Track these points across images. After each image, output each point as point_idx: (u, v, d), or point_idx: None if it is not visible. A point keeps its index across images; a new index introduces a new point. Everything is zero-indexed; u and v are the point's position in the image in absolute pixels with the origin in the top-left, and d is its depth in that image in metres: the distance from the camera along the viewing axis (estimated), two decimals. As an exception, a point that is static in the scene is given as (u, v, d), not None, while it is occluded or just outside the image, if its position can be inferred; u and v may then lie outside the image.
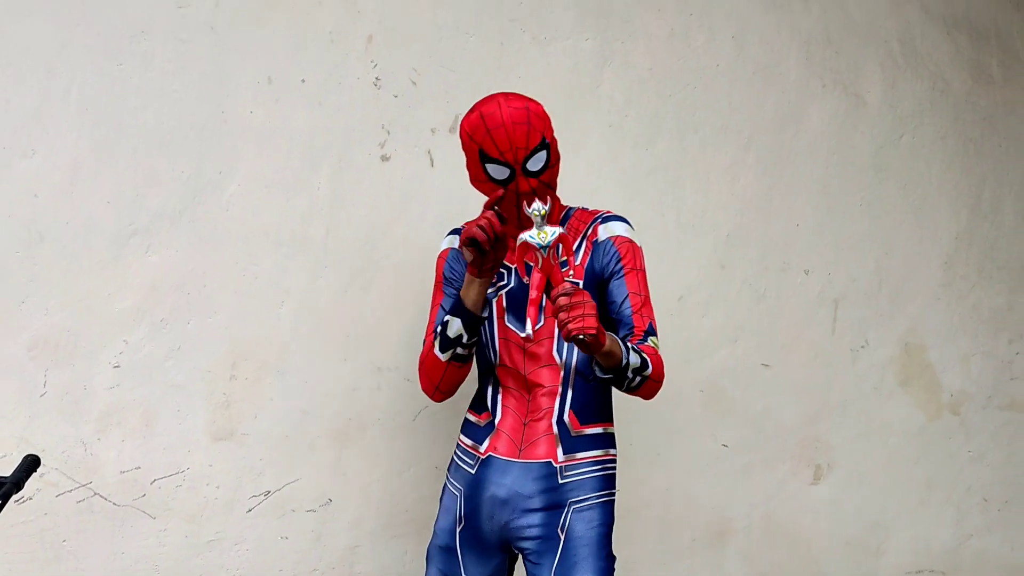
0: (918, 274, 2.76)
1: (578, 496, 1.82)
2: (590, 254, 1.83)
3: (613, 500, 1.85)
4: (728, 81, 2.62)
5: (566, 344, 1.80)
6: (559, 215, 1.86)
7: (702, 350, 2.59)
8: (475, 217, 1.76)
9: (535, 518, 1.81)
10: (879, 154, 2.73)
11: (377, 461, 2.41)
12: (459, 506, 1.89)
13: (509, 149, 1.72)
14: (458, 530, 1.87)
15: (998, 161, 2.85)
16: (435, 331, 1.89)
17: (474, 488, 1.87)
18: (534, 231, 1.58)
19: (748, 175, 2.63)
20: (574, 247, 1.82)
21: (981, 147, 2.83)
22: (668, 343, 2.55)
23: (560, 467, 1.82)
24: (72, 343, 2.15)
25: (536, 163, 1.75)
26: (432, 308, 1.97)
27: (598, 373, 1.68)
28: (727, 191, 2.61)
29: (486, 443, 1.88)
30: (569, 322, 1.54)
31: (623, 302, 1.80)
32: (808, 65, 2.69)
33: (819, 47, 2.70)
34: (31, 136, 2.09)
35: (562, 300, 1.56)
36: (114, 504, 2.20)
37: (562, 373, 1.84)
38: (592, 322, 1.55)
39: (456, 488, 1.92)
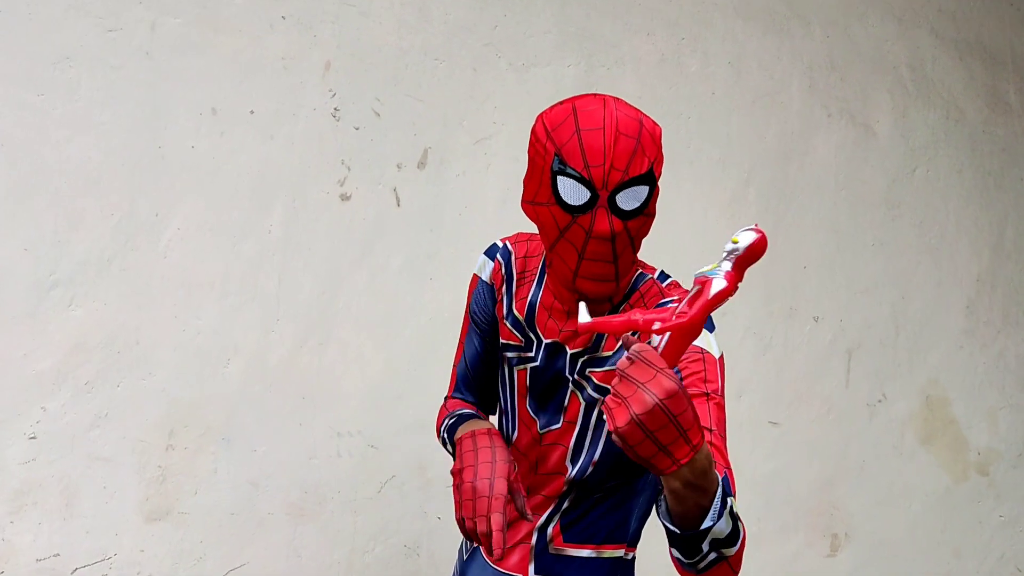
0: (938, 320, 2.51)
1: None
2: None
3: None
4: (725, 110, 2.40)
5: (585, 453, 1.38)
6: (629, 280, 1.34)
7: (703, 407, 2.33)
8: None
9: None
10: (891, 188, 2.50)
11: (338, 539, 2.13)
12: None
13: (602, 164, 1.21)
14: None
15: (1020, 195, 2.63)
16: (443, 423, 1.50)
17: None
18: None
19: (749, 212, 2.40)
20: (620, 344, 1.24)
21: (1001, 180, 2.60)
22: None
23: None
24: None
25: (630, 200, 1.24)
26: (459, 342, 1.55)
27: (664, 522, 1.07)
28: (726, 230, 2.37)
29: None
30: (613, 407, 0.98)
31: None
32: (812, 93, 2.47)
33: (823, 73, 2.49)
34: (-65, 174, 1.84)
35: (622, 364, 0.99)
36: (27, 598, 1.91)
37: (563, 481, 1.40)
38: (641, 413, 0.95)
39: (459, 566, 1.57)
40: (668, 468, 0.97)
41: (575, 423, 1.39)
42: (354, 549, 2.14)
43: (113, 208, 1.97)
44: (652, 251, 2.31)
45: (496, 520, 1.26)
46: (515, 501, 1.33)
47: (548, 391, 1.41)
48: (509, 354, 1.45)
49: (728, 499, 1.04)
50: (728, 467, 1.18)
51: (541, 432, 1.43)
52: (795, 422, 2.37)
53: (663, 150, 1.23)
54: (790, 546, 2.37)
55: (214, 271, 2.05)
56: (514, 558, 1.44)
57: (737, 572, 1.10)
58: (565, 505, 1.41)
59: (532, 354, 1.42)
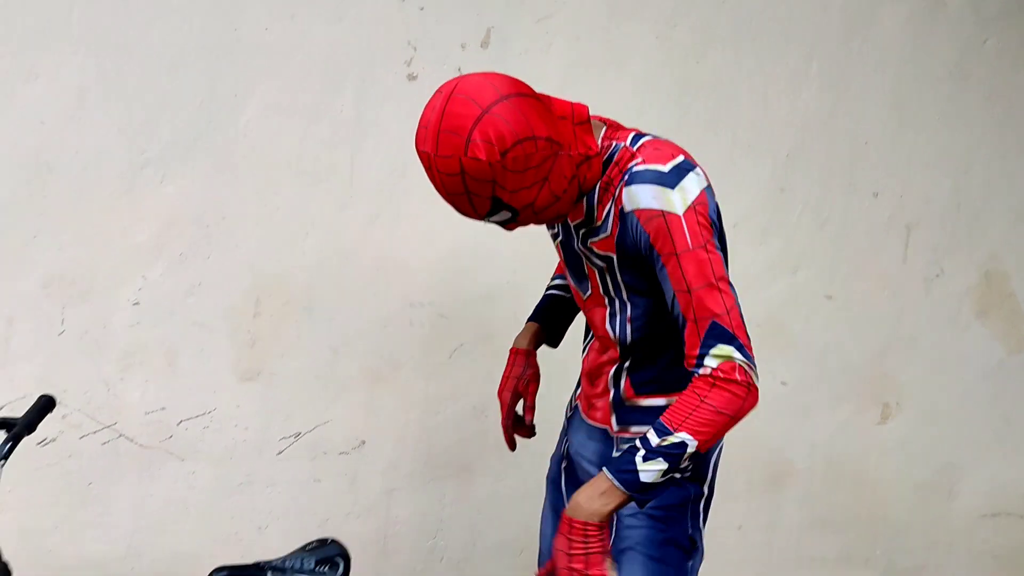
0: (1000, 195, 2.50)
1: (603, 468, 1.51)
2: (619, 225, 1.37)
3: (675, 481, 1.47)
4: (788, -17, 2.36)
5: (617, 317, 1.48)
6: (604, 155, 1.41)
7: (759, 281, 2.39)
8: None
9: None
10: (960, 62, 2.45)
11: (412, 401, 2.30)
12: (565, 443, 1.71)
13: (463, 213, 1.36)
14: (563, 467, 1.71)
15: (1095, 67, 2.54)
16: None
17: (569, 434, 1.69)
18: None
19: (811, 88, 2.39)
20: (605, 210, 1.39)
21: (1076, 50, 2.52)
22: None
23: (616, 438, 1.54)
24: (88, 280, 2.05)
25: (501, 217, 1.35)
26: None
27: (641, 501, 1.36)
28: (787, 107, 2.38)
29: (578, 390, 1.68)
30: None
31: (673, 305, 1.34)
32: (879, -38, 2.41)
33: (891, -59, 2.42)
34: (33, 59, 1.96)
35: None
36: (140, 446, 2.13)
37: (618, 346, 1.51)
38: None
39: (565, 424, 1.74)
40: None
41: (598, 289, 1.50)
42: (426, 411, 2.31)
43: (195, 91, 2.07)
44: (713, 128, 2.34)
45: (503, 425, 1.70)
46: (524, 416, 1.70)
47: (574, 262, 1.52)
48: (551, 231, 1.58)
49: (642, 444, 1.29)
50: (712, 311, 1.29)
51: (584, 299, 1.55)
52: (851, 296, 2.43)
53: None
54: (841, 414, 2.46)
55: (290, 150, 2.16)
56: (599, 412, 1.56)
57: (730, 414, 1.29)
58: (628, 363, 1.50)
59: (556, 230, 1.54)
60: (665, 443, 1.28)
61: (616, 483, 1.30)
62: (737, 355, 1.29)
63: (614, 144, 1.41)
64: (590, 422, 1.59)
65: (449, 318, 2.29)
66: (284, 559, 1.76)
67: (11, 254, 2.00)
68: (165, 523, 2.15)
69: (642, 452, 1.29)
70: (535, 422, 1.74)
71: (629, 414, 1.51)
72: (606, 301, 1.49)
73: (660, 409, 1.44)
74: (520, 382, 1.71)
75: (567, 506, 1.35)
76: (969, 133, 2.45)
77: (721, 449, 1.55)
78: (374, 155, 2.20)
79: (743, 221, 2.37)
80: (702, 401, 1.28)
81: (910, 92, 2.42)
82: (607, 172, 1.39)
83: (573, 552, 1.32)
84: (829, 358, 2.44)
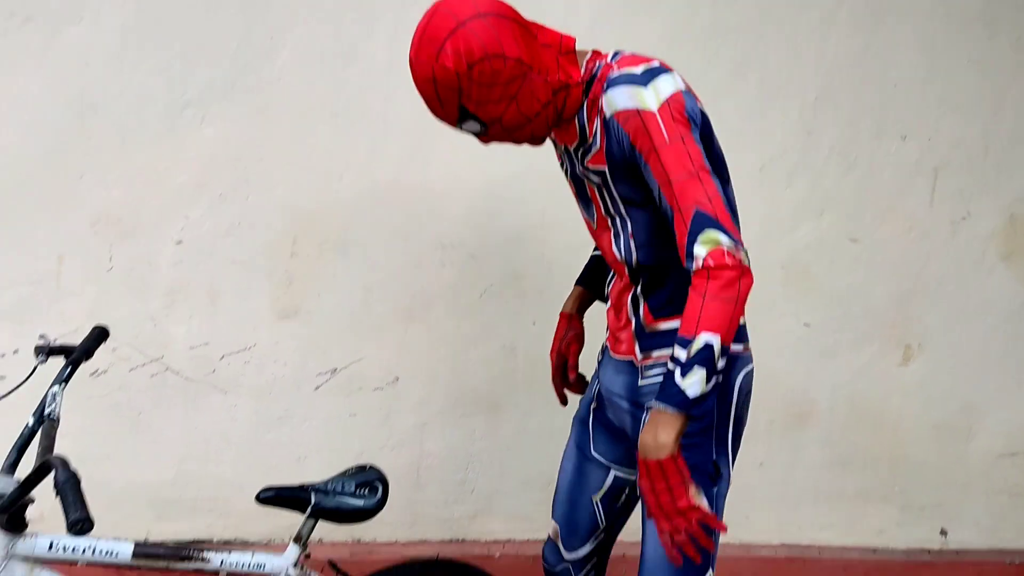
0: (1030, 138, 2.49)
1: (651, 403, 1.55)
2: (604, 134, 1.43)
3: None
4: (820, -77, 2.35)
5: (621, 238, 1.53)
6: (587, 77, 1.46)
7: (785, 224, 2.42)
8: None
9: (627, 419, 1.64)
10: (989, 4, 2.43)
11: (443, 340, 2.36)
12: (596, 385, 1.77)
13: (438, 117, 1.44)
14: (593, 407, 1.77)
15: None
16: None
17: (599, 375, 1.75)
18: None
19: (839, 31, 2.38)
20: (594, 126, 1.45)
21: (1111, -7, 2.49)
22: (748, 217, 2.40)
23: (641, 367, 1.58)
24: (134, 218, 2.13)
25: (471, 127, 1.44)
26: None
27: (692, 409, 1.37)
28: (816, 49, 2.38)
29: (607, 333, 1.72)
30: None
31: (660, 201, 1.40)
32: (913, -98, 2.39)
33: None
34: (78, 2, 2.01)
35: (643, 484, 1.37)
36: (186, 379, 2.22)
37: (625, 267, 1.57)
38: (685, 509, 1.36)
39: (597, 367, 1.79)
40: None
41: (599, 204, 1.54)
42: (457, 349, 2.38)
43: (231, 34, 2.12)
44: (741, 71, 2.35)
45: (553, 383, 1.81)
46: (568, 375, 1.80)
47: (579, 189, 1.58)
48: (562, 168, 1.62)
49: (672, 365, 1.34)
50: (695, 198, 1.34)
51: (594, 228, 1.60)
52: (876, 239, 2.45)
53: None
54: (863, 356, 2.50)
55: (325, 92, 2.20)
56: (623, 345, 1.61)
57: (732, 299, 1.33)
58: (641, 287, 1.55)
59: (564, 164, 1.60)
60: (693, 352, 1.33)
61: (669, 409, 1.34)
62: (723, 238, 1.33)
63: (597, 64, 1.47)
64: (617, 357, 1.64)
65: (479, 259, 2.34)
66: (326, 482, 1.86)
67: (60, 193, 2.08)
68: (210, 452, 2.26)
69: (678, 370, 1.33)
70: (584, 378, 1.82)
71: (650, 340, 1.55)
72: (609, 223, 1.54)
73: (677, 332, 1.48)
74: (563, 344, 1.81)
75: (639, 450, 1.38)
76: (998, 76, 2.43)
77: (749, 374, 1.58)
78: (406, 98, 2.23)
79: (770, 164, 2.39)
80: (704, 297, 1.33)
81: (939, 35, 2.40)
82: (591, 91, 1.45)
83: (657, 490, 1.36)
84: (853, 301, 2.47)
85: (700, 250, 1.33)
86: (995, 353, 2.53)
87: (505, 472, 2.45)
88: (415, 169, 2.27)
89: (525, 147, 2.30)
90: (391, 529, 2.40)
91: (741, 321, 1.57)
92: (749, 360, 1.60)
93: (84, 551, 1.66)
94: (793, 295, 2.46)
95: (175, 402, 2.22)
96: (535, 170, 2.29)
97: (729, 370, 1.54)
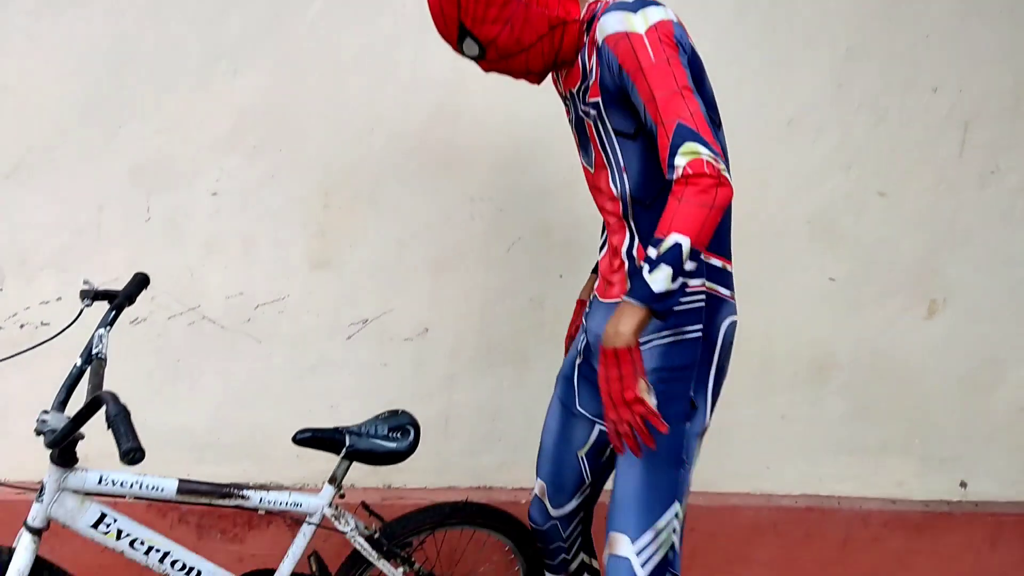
0: (1063, 91, 2.46)
1: (640, 339, 1.58)
2: (598, 63, 1.49)
3: (681, 340, 1.58)
4: None
5: (616, 173, 1.58)
6: (588, 17, 1.53)
7: (812, 178, 2.42)
8: None
9: None
10: (1028, -47, 2.39)
11: (473, 292, 2.40)
12: (582, 341, 1.82)
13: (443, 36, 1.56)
14: (578, 363, 1.82)
15: None
16: None
17: (586, 326, 1.79)
18: None
19: (873, -18, 2.36)
20: (591, 62, 1.51)
21: None
22: (775, 171, 2.41)
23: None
24: (171, 169, 2.17)
25: (470, 50, 1.54)
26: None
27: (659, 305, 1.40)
28: (847, 0, 2.36)
29: (597, 282, 1.77)
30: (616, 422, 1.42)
31: (645, 119, 1.44)
32: None
33: None
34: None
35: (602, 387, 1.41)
36: (222, 327, 2.28)
37: (620, 204, 1.60)
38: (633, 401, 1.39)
39: (583, 323, 1.84)
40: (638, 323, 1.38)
41: (596, 143, 1.58)
42: (486, 301, 2.42)
43: (265, -15, 2.14)
44: (771, 22, 2.34)
45: None
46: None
47: (580, 133, 1.62)
48: (568, 117, 1.67)
49: (645, 262, 1.36)
50: (677, 114, 1.37)
51: (592, 172, 1.64)
52: (904, 193, 2.45)
53: None
54: (888, 309, 2.52)
55: (355, 45, 2.22)
56: (615, 287, 1.65)
57: (708, 205, 1.35)
58: (633, 224, 1.59)
59: (568, 113, 1.65)
60: (662, 250, 1.36)
61: (633, 301, 1.38)
62: (703, 150, 1.36)
63: (598, 6, 1.52)
64: (607, 301, 1.67)
65: (508, 212, 2.37)
66: (360, 425, 1.92)
67: (100, 143, 2.12)
68: (246, 398, 2.32)
69: (647, 267, 1.37)
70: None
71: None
72: (604, 161, 1.58)
73: None
74: (574, 328, 1.94)
75: (601, 341, 1.42)
76: (1034, 28, 2.41)
77: (733, 325, 1.61)
78: (436, 52, 2.25)
79: (799, 117, 2.39)
80: (680, 201, 1.36)
81: (975, -15, 2.38)
82: (590, 32, 1.50)
83: (610, 378, 1.40)
84: (879, 254, 2.48)
85: (680, 160, 1.36)
86: (1021, 307, 2.53)
87: (532, 422, 2.50)
88: (445, 122, 2.29)
89: (552, 99, 2.31)
90: (420, 476, 2.47)
91: (728, 268, 1.62)
92: (734, 310, 1.64)
93: (131, 485, 1.73)
94: (819, 250, 2.47)
95: (212, 350, 2.28)
96: (564, 124, 2.30)
97: (715, 313, 1.58)
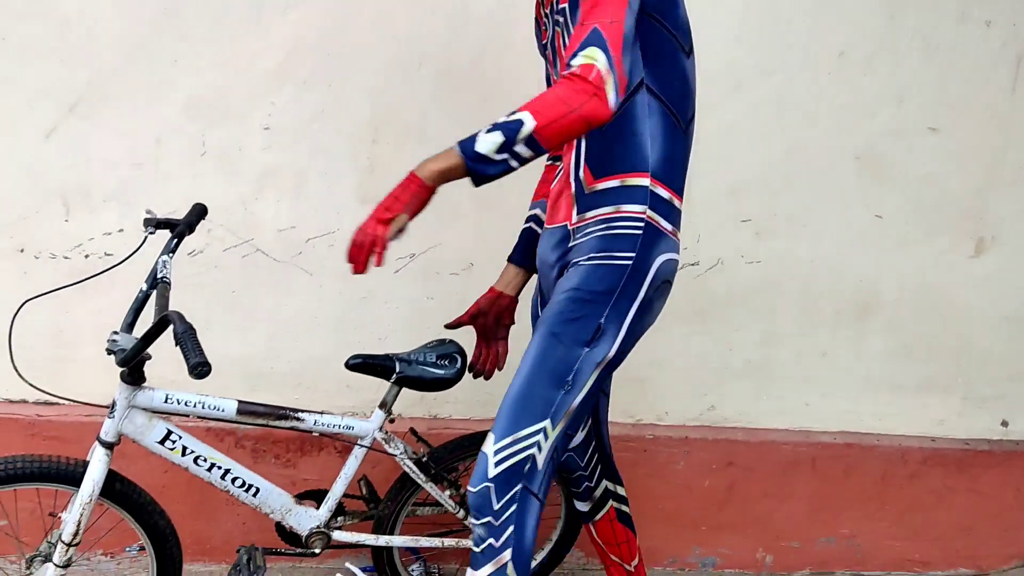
0: (1124, 23, 2.39)
1: (573, 260, 1.59)
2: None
3: (608, 264, 1.56)
4: None
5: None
6: None
7: (861, 112, 2.40)
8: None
9: (552, 285, 1.68)
10: None
11: (517, 228, 2.41)
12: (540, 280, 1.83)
13: None
14: (539, 301, 1.86)
15: None
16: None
17: (538, 255, 1.80)
18: None
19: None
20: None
21: None
22: (824, 105, 2.39)
23: (572, 229, 1.61)
24: (224, 104, 2.22)
25: None
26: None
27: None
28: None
29: (549, 208, 1.76)
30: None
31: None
32: None
33: None
34: None
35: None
36: (275, 260, 2.35)
37: None
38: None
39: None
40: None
41: (562, 59, 1.58)
42: (531, 236, 2.44)
43: (313, -81, 2.15)
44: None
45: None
46: None
47: (552, 53, 1.63)
48: (539, 48, 1.69)
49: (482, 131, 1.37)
50: (596, 22, 1.37)
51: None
52: (955, 128, 2.41)
53: None
54: (935, 247, 2.50)
55: (404, -19, 2.23)
56: (562, 212, 1.66)
57: (573, 109, 1.35)
58: (583, 144, 1.59)
59: (540, 39, 1.67)
60: (508, 119, 1.38)
61: (456, 147, 1.40)
62: (601, 60, 1.36)
63: None
64: (554, 226, 1.68)
65: (553, 148, 2.38)
66: (409, 353, 1.98)
67: (156, 77, 2.18)
68: (298, 329, 2.40)
69: (487, 126, 1.39)
70: None
71: (587, 200, 1.60)
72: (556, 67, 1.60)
73: (614, 190, 1.56)
74: (472, 310, 1.99)
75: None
76: (1096, -43, 2.34)
77: (671, 264, 1.61)
78: (483, -15, 2.26)
79: (850, 50, 2.35)
80: (551, 91, 1.38)
81: (1036, -88, 2.31)
82: None
83: (389, 194, 1.45)
84: (927, 191, 2.46)
85: (576, 60, 1.37)
86: (1071, 246, 2.50)
87: (574, 356, 2.54)
88: (493, 57, 2.30)
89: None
90: (465, 407, 2.54)
91: (676, 204, 1.60)
92: (675, 248, 1.61)
93: (194, 405, 1.83)
94: (866, 186, 2.46)
95: (265, 282, 2.35)
96: (609, 58, 2.31)
97: (651, 245, 1.56)
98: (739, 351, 2.55)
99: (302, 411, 1.92)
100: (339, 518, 2.02)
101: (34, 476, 1.78)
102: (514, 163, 1.39)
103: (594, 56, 1.36)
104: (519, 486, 1.59)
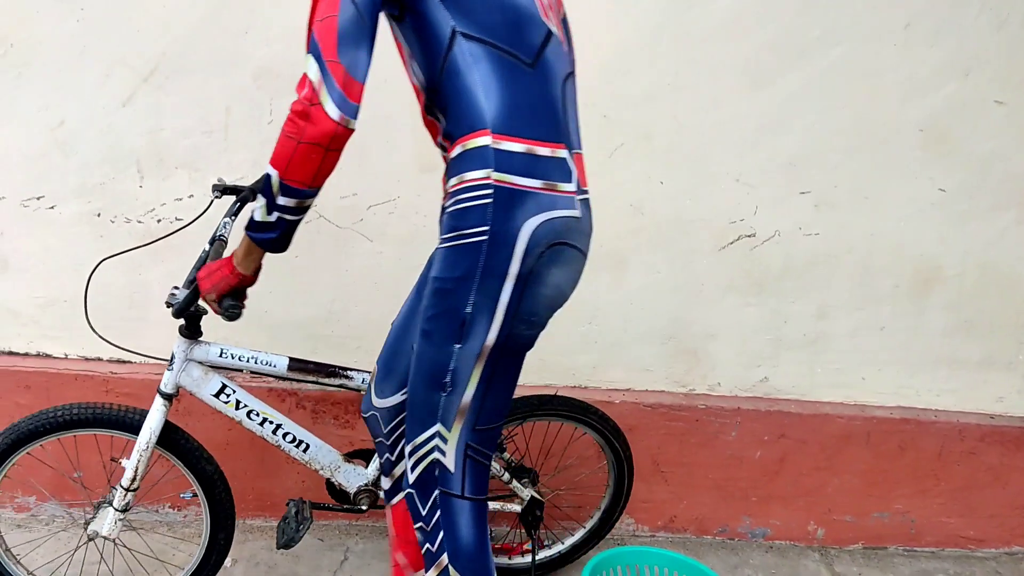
0: None
1: (438, 244, 1.46)
2: None
3: (460, 244, 1.38)
4: None
5: (408, 62, 1.50)
6: None
7: (927, 85, 2.36)
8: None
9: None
10: None
11: (573, 197, 2.45)
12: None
13: None
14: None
15: None
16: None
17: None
18: None
19: None
20: None
21: None
22: (890, 76, 2.35)
23: (446, 196, 1.47)
24: (291, 74, 2.27)
25: None
26: None
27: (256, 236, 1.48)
28: None
29: None
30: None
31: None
32: None
33: None
34: None
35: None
36: (337, 226, 2.41)
37: (424, 97, 1.48)
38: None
39: None
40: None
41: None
42: (586, 207, 2.46)
43: None
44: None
45: None
46: None
47: None
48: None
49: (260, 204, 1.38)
50: (312, 22, 1.28)
51: None
52: (1022, 102, 2.35)
53: None
54: (999, 222, 2.45)
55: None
56: (444, 184, 1.51)
57: (301, 140, 1.29)
58: (440, 117, 1.46)
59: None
60: (261, 181, 1.38)
61: (245, 229, 1.47)
62: (312, 69, 1.25)
63: None
64: (441, 201, 1.51)
65: (610, 118, 2.39)
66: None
67: (227, 48, 2.24)
68: (359, 294, 2.47)
69: (257, 196, 1.43)
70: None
71: (449, 168, 1.45)
72: (401, 54, 1.57)
73: (457, 159, 1.40)
74: None
75: None
76: None
77: (549, 225, 1.40)
78: (543, -46, 2.26)
79: (916, 21, 2.31)
80: (281, 131, 1.32)
81: None
82: None
83: (214, 273, 1.58)
84: (993, 166, 2.41)
85: (299, 77, 1.28)
86: None
87: (627, 325, 2.57)
88: (551, 27, 2.31)
89: (655, 5, 2.30)
90: (519, 374, 2.58)
91: (539, 152, 1.38)
92: (552, 204, 1.38)
93: (248, 360, 1.90)
94: (930, 159, 2.42)
95: (327, 247, 2.42)
96: (667, 31, 2.31)
97: (509, 211, 1.35)
98: (795, 324, 2.55)
99: (352, 369, 1.98)
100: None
101: (91, 422, 1.88)
102: (289, 216, 1.37)
103: (307, 66, 1.26)
104: (436, 492, 1.56)
